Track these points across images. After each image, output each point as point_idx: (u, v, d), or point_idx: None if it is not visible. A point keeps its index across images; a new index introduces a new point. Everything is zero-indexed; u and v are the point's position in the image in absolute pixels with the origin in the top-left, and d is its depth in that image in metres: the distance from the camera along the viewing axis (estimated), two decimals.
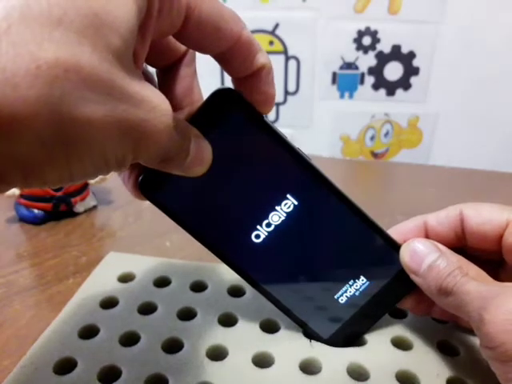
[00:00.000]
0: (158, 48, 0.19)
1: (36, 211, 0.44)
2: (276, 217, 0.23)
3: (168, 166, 0.18)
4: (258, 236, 0.23)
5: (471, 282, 0.21)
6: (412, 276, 0.24)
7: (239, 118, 0.21)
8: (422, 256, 0.23)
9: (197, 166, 0.19)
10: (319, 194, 0.23)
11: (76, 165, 0.14)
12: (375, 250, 0.25)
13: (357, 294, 0.25)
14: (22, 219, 0.44)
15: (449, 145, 0.91)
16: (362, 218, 0.24)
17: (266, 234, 0.23)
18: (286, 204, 0.23)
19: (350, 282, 0.25)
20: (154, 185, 0.21)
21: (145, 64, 0.19)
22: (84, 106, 0.13)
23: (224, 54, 0.18)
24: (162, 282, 0.31)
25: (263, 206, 0.23)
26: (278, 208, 0.23)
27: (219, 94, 0.20)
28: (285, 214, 0.23)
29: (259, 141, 0.21)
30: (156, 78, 0.21)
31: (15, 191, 0.44)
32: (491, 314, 0.19)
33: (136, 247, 0.40)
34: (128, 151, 0.15)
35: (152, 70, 0.21)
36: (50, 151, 0.13)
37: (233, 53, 0.18)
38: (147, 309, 0.28)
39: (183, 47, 0.20)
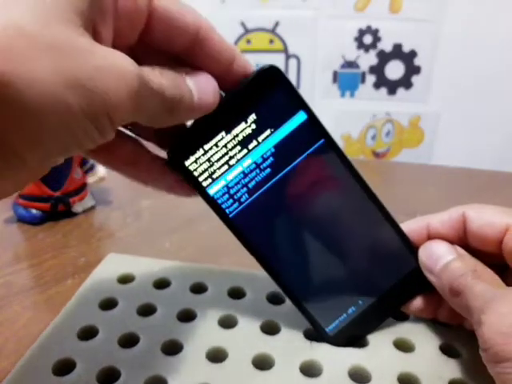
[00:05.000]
0: (164, 32, 0.19)
1: (34, 211, 0.43)
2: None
3: (181, 113, 0.18)
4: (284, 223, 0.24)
5: (480, 284, 0.21)
6: (427, 274, 0.24)
7: (283, 97, 0.21)
8: (439, 255, 0.24)
9: (208, 98, 0.19)
10: (348, 182, 0.24)
11: (34, 147, 0.14)
12: (393, 247, 0.25)
13: (368, 290, 0.25)
14: (21, 219, 0.44)
15: (450, 144, 0.91)
16: (385, 215, 0.24)
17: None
18: (315, 191, 0.23)
19: (363, 278, 0.25)
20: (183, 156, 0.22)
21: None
22: (25, 65, 0.12)
23: (191, 47, 0.19)
24: (161, 284, 0.30)
25: (294, 194, 0.23)
26: (307, 196, 0.23)
27: (268, 71, 0.21)
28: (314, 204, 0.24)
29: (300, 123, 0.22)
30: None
31: None
32: (487, 316, 0.20)
33: (135, 248, 0.40)
34: (95, 112, 0.14)
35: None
36: None
37: (198, 46, 0.19)
38: (147, 310, 0.28)
39: (190, 25, 0.19)
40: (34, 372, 0.23)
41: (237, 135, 0.22)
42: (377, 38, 0.85)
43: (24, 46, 0.12)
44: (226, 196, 0.23)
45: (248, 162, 0.22)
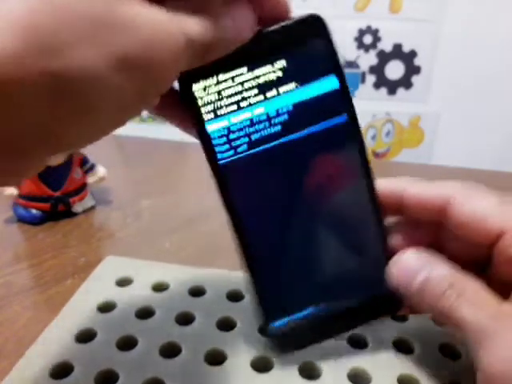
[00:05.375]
0: None
1: (34, 211, 0.43)
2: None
3: (213, 55, 0.16)
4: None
5: (466, 307, 0.19)
6: (403, 293, 0.22)
7: (320, 52, 0.20)
8: (414, 271, 0.21)
9: (241, 34, 0.17)
10: (356, 171, 0.22)
11: (89, 124, 0.13)
12: (374, 262, 0.23)
13: (336, 295, 0.23)
14: (21, 219, 0.44)
15: (450, 144, 0.91)
16: (380, 225, 0.23)
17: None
18: (319, 168, 0.22)
19: (335, 280, 0.23)
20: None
21: None
22: (69, 50, 0.12)
23: None
24: (160, 287, 0.30)
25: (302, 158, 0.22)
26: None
27: (311, 19, 0.20)
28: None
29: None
30: None
31: (13, 191, 0.43)
32: (487, 353, 0.18)
33: (135, 248, 0.39)
34: (146, 90, 0.14)
35: None
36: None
37: None
38: (145, 313, 0.28)
39: None
40: (31, 375, 0.23)
41: (258, 76, 0.20)
42: (377, 38, 0.84)
43: (66, 31, 0.12)
44: (224, 139, 0.21)
45: (260, 110, 0.20)
